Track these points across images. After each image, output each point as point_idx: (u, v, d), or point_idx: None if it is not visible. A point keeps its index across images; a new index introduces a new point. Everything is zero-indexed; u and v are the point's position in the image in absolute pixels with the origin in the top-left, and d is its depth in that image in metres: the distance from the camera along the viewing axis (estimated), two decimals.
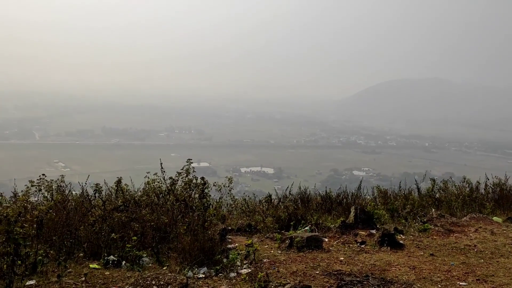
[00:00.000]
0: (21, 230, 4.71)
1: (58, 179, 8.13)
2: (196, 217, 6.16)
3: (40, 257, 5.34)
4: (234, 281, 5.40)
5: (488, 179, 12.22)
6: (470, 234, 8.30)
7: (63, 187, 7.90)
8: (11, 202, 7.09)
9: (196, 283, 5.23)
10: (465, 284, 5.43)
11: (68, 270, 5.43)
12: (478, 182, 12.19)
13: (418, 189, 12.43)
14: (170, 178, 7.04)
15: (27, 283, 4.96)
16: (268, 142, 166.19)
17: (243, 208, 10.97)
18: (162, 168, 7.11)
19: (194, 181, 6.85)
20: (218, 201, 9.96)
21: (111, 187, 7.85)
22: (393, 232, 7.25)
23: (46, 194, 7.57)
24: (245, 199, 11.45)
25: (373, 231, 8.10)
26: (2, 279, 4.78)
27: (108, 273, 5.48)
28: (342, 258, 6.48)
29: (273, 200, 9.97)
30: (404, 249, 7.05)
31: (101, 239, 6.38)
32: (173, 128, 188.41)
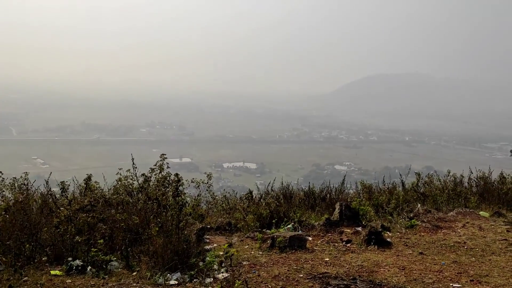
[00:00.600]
0: None
1: (21, 176, 7.51)
2: (170, 217, 5.64)
3: None
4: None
5: (472, 173, 12.04)
6: (458, 230, 8.02)
7: (26, 185, 7.27)
8: None
9: None
10: (459, 285, 5.08)
11: (24, 278, 4.86)
12: (462, 175, 11.99)
13: (403, 183, 12.17)
14: (143, 175, 6.49)
15: None
16: (251, 137, 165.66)
17: (224, 205, 10.51)
18: (133, 164, 6.55)
19: (168, 178, 6.31)
20: (196, 198, 9.48)
21: (80, 185, 7.26)
22: (380, 229, 6.89)
23: (7, 194, 6.95)
24: (225, 195, 11.00)
25: (359, 229, 7.73)
26: None
27: (70, 280, 4.93)
28: (327, 259, 6.07)
29: (254, 197, 9.51)
30: (392, 248, 6.69)
31: (66, 242, 5.84)
32: (155, 124, 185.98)
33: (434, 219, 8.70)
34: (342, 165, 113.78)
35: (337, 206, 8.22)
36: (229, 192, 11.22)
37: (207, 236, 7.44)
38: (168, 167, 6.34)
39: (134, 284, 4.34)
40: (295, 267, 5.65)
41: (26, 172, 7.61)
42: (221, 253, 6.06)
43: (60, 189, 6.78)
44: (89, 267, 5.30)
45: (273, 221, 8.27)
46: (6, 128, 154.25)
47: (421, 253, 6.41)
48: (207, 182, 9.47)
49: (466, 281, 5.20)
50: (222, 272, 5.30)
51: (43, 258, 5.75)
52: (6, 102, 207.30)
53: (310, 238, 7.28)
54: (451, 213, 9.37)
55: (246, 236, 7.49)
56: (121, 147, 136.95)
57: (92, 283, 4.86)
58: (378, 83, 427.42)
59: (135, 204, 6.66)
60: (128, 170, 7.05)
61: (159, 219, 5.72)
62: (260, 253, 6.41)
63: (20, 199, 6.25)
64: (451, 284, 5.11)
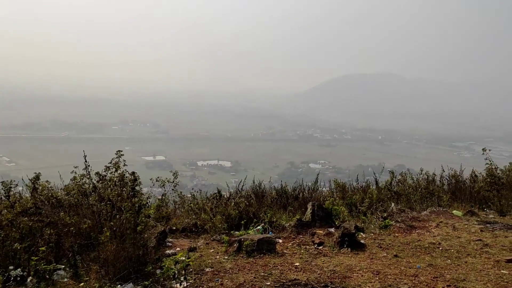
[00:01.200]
0: None
1: None
2: (124, 220, 5.09)
3: None
4: None
5: (444, 171, 11.92)
6: (432, 229, 7.77)
7: None
8: None
9: None
10: None
11: None
12: (434, 174, 11.85)
13: (377, 182, 11.94)
14: (97, 173, 5.90)
15: None
16: (225, 135, 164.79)
17: (192, 205, 9.97)
18: (86, 161, 5.94)
19: (126, 177, 5.74)
20: (160, 198, 8.93)
21: (27, 185, 6.60)
22: (353, 231, 6.52)
23: None
24: (193, 195, 10.47)
25: (332, 230, 7.37)
26: None
27: None
28: (297, 264, 5.65)
29: (222, 196, 9.01)
30: (365, 250, 6.34)
31: (8, 248, 5.21)
32: (127, 121, 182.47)
33: (408, 218, 8.45)
34: (316, 164, 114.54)
35: (309, 206, 7.84)
36: (197, 191, 10.72)
37: (170, 240, 6.91)
38: (125, 165, 5.77)
39: None
40: (263, 274, 5.20)
41: None
42: (183, 258, 5.56)
43: (5, 190, 6.09)
44: (30, 277, 4.70)
45: (242, 222, 7.82)
46: None
47: (395, 255, 6.09)
48: (173, 181, 8.99)
49: (443, 286, 4.88)
50: (182, 281, 4.80)
51: None
52: None
53: (280, 241, 6.87)
54: (425, 212, 9.15)
55: (212, 238, 7.01)
56: (92, 145, 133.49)
57: None
58: (352, 83, 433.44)
59: (89, 206, 6.06)
60: (86, 168, 6.44)
61: (111, 223, 5.15)
62: (226, 257, 5.93)
63: None
64: None
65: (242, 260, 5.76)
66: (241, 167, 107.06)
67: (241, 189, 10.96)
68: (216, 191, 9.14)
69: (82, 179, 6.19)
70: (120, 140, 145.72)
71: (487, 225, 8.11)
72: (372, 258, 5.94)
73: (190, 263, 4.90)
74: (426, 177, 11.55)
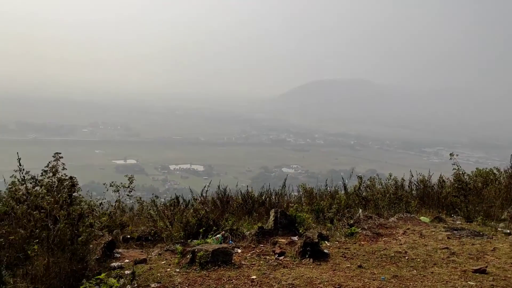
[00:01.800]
0: None
1: None
2: (57, 231, 4.52)
3: None
4: None
5: (413, 176, 11.76)
6: (399, 237, 7.49)
7: None
8: None
9: None
10: None
11: None
12: (403, 179, 11.66)
13: (345, 187, 11.67)
14: (33, 178, 5.28)
15: None
16: (198, 139, 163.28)
17: (151, 211, 9.38)
18: (20, 164, 5.32)
19: (65, 182, 5.16)
20: (114, 205, 8.33)
21: None
22: (316, 240, 6.14)
23: None
24: (153, 200, 9.88)
25: (295, 238, 6.97)
26: None
27: None
28: (254, 277, 5.21)
29: (180, 203, 8.47)
30: (329, 260, 5.96)
31: None
32: (98, 124, 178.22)
33: (375, 225, 8.16)
34: (289, 168, 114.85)
35: (272, 213, 7.42)
36: (157, 196, 10.14)
37: (120, 250, 6.34)
38: (64, 169, 5.19)
39: None
40: None
41: None
42: (128, 272, 5.03)
43: None
44: None
45: (201, 230, 7.32)
46: None
47: (360, 266, 5.73)
48: (128, 186, 8.41)
49: None
50: None
51: None
52: None
53: (239, 250, 6.42)
54: (392, 218, 8.90)
55: (166, 248, 6.47)
56: (60, 148, 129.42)
57: None
58: (325, 88, 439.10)
59: (25, 215, 5.44)
60: (20, 172, 5.78)
61: (44, 234, 4.57)
62: (177, 270, 5.43)
63: None
64: None
65: (194, 274, 5.27)
66: (214, 171, 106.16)
67: (205, 194, 10.49)
68: (174, 197, 8.58)
69: (17, 185, 5.55)
70: (90, 143, 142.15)
71: (454, 231, 7.91)
72: (335, 270, 5.57)
73: (140, 274, 4.39)
74: (394, 182, 11.36)
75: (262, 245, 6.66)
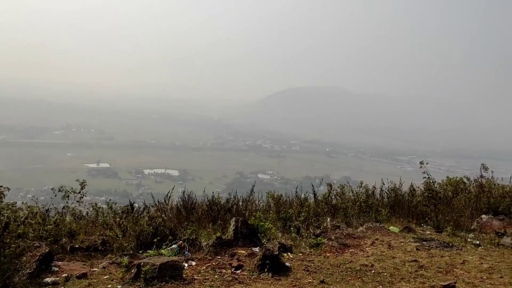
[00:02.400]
0: None
1: None
2: None
3: None
4: None
5: (384, 184, 11.48)
6: (367, 248, 7.11)
7: None
8: None
9: None
10: None
11: None
12: (374, 187, 11.36)
13: (315, 194, 11.27)
14: None
15: None
16: (174, 144, 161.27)
17: (106, 218, 8.72)
18: None
19: None
20: (61, 212, 7.66)
21: None
22: (277, 252, 5.67)
23: None
24: (111, 206, 9.21)
25: (256, 249, 6.48)
26: None
27: None
28: None
29: (134, 209, 7.87)
30: (289, 275, 5.50)
31: None
32: (70, 126, 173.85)
33: (343, 235, 7.76)
34: (265, 174, 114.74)
35: (232, 222, 6.92)
36: (115, 202, 9.48)
37: (59, 263, 5.70)
38: None
39: None
40: None
41: None
42: None
43: None
44: None
45: (155, 240, 6.75)
46: None
47: (322, 281, 5.29)
48: (79, 192, 7.78)
49: None
50: None
51: None
52: None
53: (193, 263, 5.88)
54: (361, 228, 8.55)
55: (112, 261, 5.87)
56: (30, 150, 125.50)
57: None
58: (302, 95, 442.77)
59: None
60: None
61: None
62: (119, 287, 4.85)
63: None
64: None
65: None
66: (189, 176, 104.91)
67: (169, 200, 9.92)
68: (128, 204, 7.97)
69: None
70: (62, 146, 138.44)
71: (424, 242, 7.60)
72: (295, 285, 5.11)
73: None
74: (365, 190, 11.04)
75: (219, 257, 6.15)
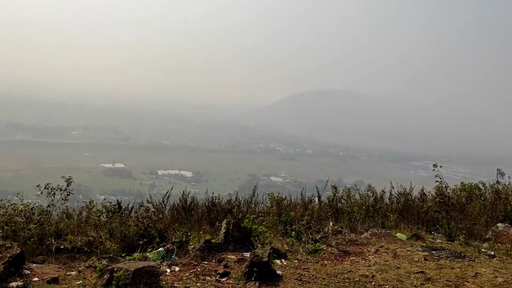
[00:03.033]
0: None
1: None
2: None
3: None
4: None
5: (393, 188, 10.85)
6: (370, 256, 6.56)
7: None
8: None
9: None
10: None
11: None
12: (383, 191, 10.74)
13: (319, 197, 10.72)
14: None
15: None
16: (188, 145, 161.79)
17: (96, 218, 8.34)
18: None
19: None
20: (46, 210, 7.29)
21: None
22: (266, 259, 5.16)
23: None
24: (105, 205, 8.82)
25: (247, 255, 5.97)
26: None
27: None
28: None
29: (123, 208, 7.43)
30: (279, 284, 4.99)
31: None
32: (88, 127, 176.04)
33: (345, 242, 7.21)
34: (278, 177, 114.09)
35: (224, 225, 6.43)
36: (110, 202, 9.10)
37: (32, 266, 5.29)
38: None
39: None
40: None
41: None
42: None
43: None
44: None
45: (141, 242, 6.32)
46: None
47: None
48: (66, 189, 7.42)
49: None
50: None
51: None
52: None
53: (177, 269, 5.42)
54: (365, 234, 7.97)
55: (89, 264, 5.45)
56: (49, 150, 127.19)
57: None
58: (317, 98, 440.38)
59: None
60: None
61: None
62: None
63: None
64: None
65: None
66: (202, 178, 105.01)
67: (166, 201, 9.52)
68: (115, 203, 7.55)
69: None
70: (79, 146, 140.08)
71: (433, 252, 6.99)
72: None
73: None
74: (372, 193, 10.45)
75: (206, 262, 5.67)
